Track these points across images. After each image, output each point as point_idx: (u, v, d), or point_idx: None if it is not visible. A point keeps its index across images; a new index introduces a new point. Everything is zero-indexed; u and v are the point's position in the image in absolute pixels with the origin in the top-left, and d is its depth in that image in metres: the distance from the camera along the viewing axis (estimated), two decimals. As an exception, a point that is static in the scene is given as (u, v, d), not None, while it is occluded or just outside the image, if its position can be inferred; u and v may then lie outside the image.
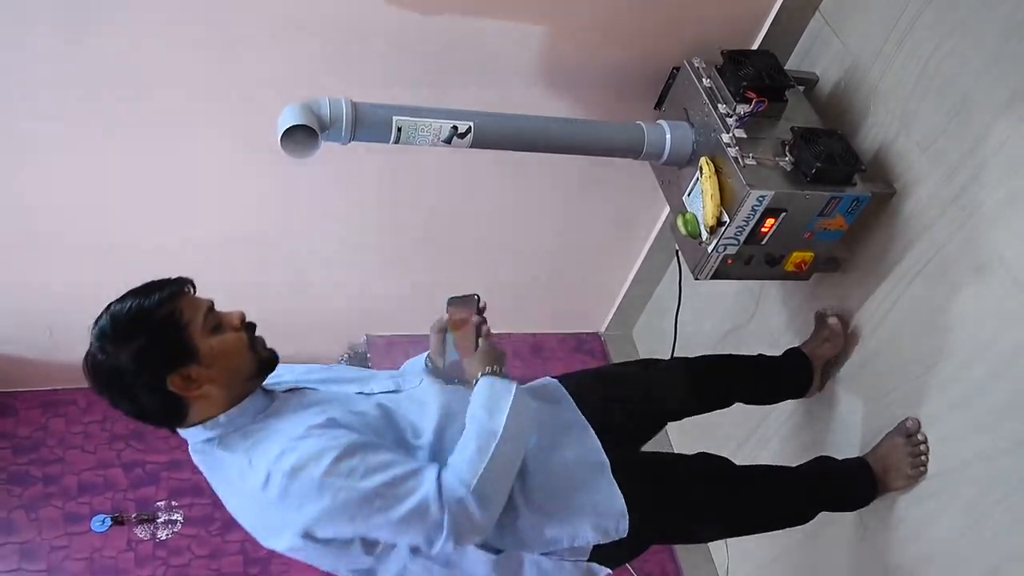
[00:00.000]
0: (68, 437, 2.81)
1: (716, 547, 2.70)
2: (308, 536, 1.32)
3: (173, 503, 2.71)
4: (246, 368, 1.39)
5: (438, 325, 1.62)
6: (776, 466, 2.02)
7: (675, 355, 2.30)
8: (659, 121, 2.06)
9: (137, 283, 1.50)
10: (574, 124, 1.98)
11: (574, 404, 1.75)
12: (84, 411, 2.86)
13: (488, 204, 2.58)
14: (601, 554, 1.59)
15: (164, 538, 2.64)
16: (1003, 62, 1.72)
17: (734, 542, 2.62)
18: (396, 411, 1.46)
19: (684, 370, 2.03)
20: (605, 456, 1.64)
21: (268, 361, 1.42)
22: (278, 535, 1.35)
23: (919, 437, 1.93)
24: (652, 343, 3.08)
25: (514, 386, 1.47)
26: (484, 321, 1.56)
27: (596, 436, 1.68)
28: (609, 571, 1.63)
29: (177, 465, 2.75)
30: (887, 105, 2.00)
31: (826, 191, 1.88)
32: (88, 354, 1.32)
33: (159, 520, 2.67)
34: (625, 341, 3.22)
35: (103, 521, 2.61)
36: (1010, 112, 1.70)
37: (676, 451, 2.73)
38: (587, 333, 3.27)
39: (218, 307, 1.41)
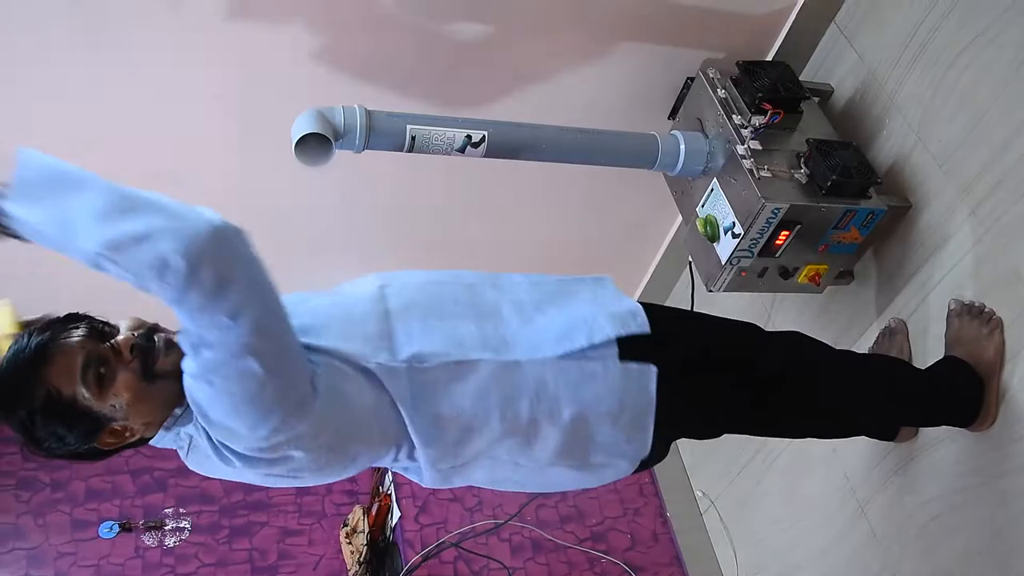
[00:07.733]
0: (77, 443, 2.82)
1: (726, 560, 2.68)
2: (275, 446, 1.22)
3: (181, 510, 2.71)
4: (164, 398, 1.21)
5: None
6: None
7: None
8: (673, 132, 2.05)
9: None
10: (588, 134, 1.96)
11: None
12: (93, 417, 2.86)
13: (497, 211, 2.57)
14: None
15: (171, 545, 2.64)
16: (1023, 75, 1.70)
17: (743, 547, 2.60)
18: None
19: None
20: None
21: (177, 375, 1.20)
22: (264, 474, 1.31)
23: (967, 303, 1.81)
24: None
25: None
26: None
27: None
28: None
29: (185, 472, 2.65)
30: (904, 117, 1.98)
31: (841, 204, 1.87)
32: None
33: (167, 527, 2.67)
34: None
35: (111, 528, 2.62)
36: (1029, 125, 1.69)
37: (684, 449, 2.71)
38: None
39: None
